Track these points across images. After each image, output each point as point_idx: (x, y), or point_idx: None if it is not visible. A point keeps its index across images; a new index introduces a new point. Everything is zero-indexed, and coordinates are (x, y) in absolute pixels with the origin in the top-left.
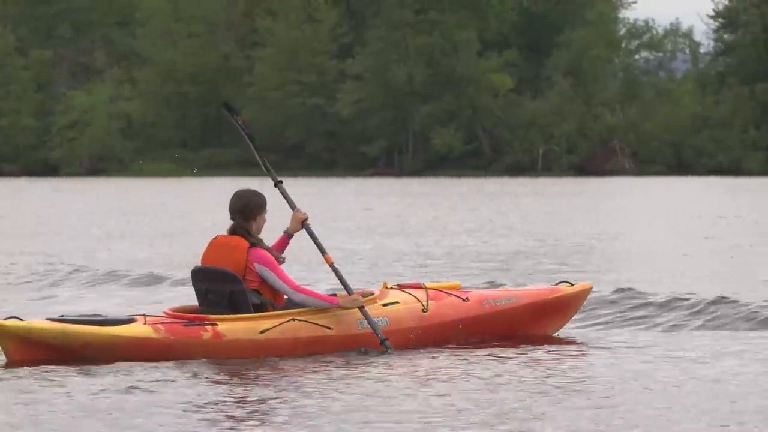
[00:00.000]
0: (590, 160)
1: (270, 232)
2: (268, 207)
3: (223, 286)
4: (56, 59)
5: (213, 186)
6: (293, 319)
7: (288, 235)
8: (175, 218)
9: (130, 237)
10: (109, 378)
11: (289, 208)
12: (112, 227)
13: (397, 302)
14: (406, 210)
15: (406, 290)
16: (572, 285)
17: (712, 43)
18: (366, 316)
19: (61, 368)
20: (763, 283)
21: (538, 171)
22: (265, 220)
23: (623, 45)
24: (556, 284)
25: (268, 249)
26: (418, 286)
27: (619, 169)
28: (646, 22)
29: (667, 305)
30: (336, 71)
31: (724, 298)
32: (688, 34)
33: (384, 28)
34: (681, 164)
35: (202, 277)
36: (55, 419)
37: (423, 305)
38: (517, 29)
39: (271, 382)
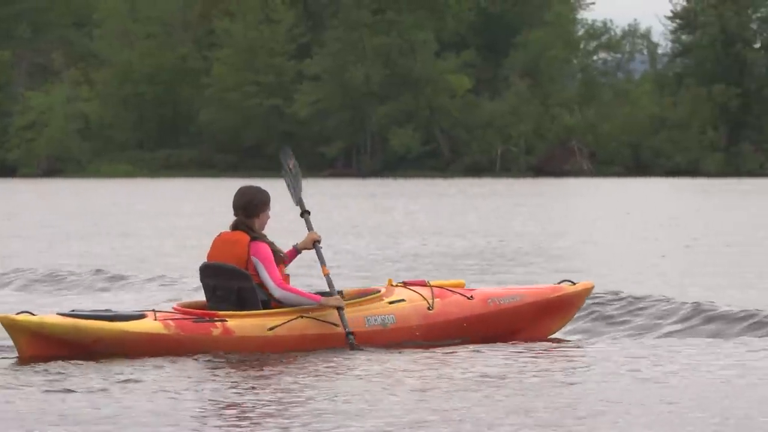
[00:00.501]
0: (548, 161)
1: (273, 232)
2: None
3: (230, 282)
4: (14, 60)
5: (170, 187)
6: (301, 316)
7: (296, 251)
8: (134, 219)
9: (85, 238)
10: (110, 373)
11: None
12: (68, 228)
13: (402, 300)
14: (363, 210)
15: (411, 288)
16: (574, 284)
17: (670, 44)
18: (342, 317)
19: (65, 363)
20: (708, 282)
21: (496, 172)
22: (268, 217)
23: (581, 46)
24: (558, 283)
25: (270, 244)
26: (422, 284)
27: (577, 170)
28: (605, 23)
29: (610, 304)
30: (293, 72)
31: (669, 298)
32: (647, 35)
33: (341, 29)
34: (639, 165)
35: (210, 274)
36: (53, 416)
37: (428, 303)
38: (474, 30)
39: (274, 378)
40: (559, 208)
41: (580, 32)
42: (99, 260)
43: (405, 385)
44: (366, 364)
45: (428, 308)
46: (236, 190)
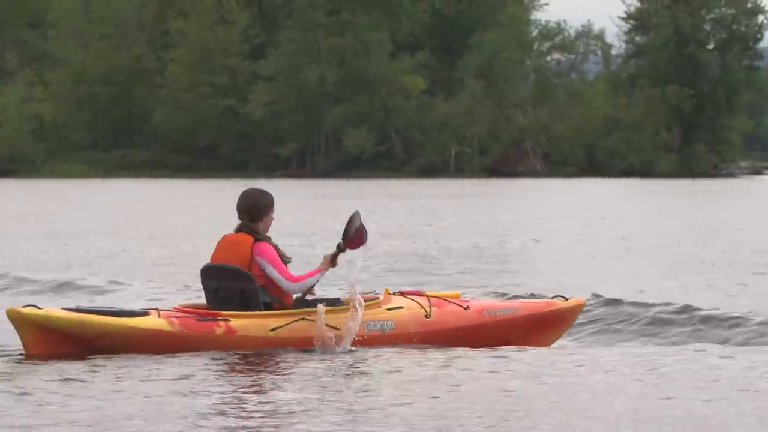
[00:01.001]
0: (502, 162)
1: (278, 234)
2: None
3: (234, 283)
4: None
5: (124, 187)
6: (303, 319)
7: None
8: (85, 219)
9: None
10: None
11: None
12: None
13: (401, 307)
14: (312, 211)
15: (409, 296)
16: (567, 299)
17: (623, 45)
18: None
19: (65, 363)
20: (656, 282)
21: (450, 172)
22: (272, 219)
23: (535, 47)
24: (552, 298)
25: (274, 246)
26: (419, 294)
27: (531, 171)
28: (558, 24)
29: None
30: (248, 72)
31: (617, 300)
32: (600, 36)
33: (296, 30)
34: (593, 166)
35: (212, 275)
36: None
37: (426, 311)
38: (429, 31)
39: (272, 376)
40: (510, 209)
41: (534, 33)
42: (45, 263)
43: (405, 385)
44: (365, 364)
45: (426, 316)
46: (240, 193)
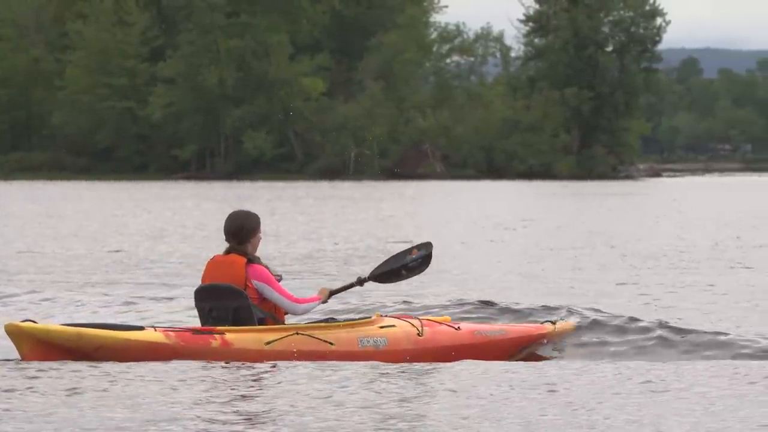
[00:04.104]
0: (402, 164)
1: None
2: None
3: (227, 302)
4: None
5: (23, 189)
6: (297, 333)
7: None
8: None
9: None
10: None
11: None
12: None
13: (393, 326)
14: (205, 213)
15: (400, 318)
16: (554, 323)
17: (522, 48)
18: (338, 291)
19: (61, 370)
20: (549, 281)
21: (350, 174)
22: (260, 239)
23: (434, 49)
24: (542, 323)
25: (265, 266)
26: (410, 318)
27: (430, 173)
28: (458, 26)
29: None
30: (147, 74)
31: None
32: (500, 39)
33: (195, 32)
34: (492, 168)
35: (205, 296)
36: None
37: (418, 330)
38: (328, 33)
39: (268, 389)
40: (406, 211)
41: (433, 35)
42: None
43: (397, 400)
44: (360, 377)
45: (418, 334)
46: (226, 217)
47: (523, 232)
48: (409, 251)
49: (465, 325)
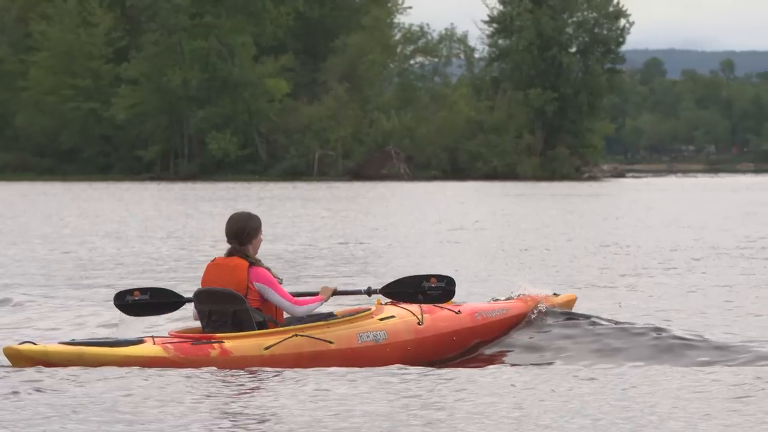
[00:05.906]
0: (366, 165)
1: (277, 235)
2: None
3: (227, 306)
4: None
5: None
6: (296, 335)
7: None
8: None
9: None
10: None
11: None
12: None
13: (393, 316)
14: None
15: (400, 306)
16: (557, 295)
17: (486, 49)
18: (342, 293)
19: (54, 379)
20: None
21: (314, 176)
22: (261, 240)
23: (398, 50)
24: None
25: (267, 268)
26: (410, 305)
27: (395, 174)
28: (421, 27)
29: None
30: (111, 75)
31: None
32: (463, 40)
33: (159, 33)
34: (456, 169)
35: (205, 299)
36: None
37: (418, 318)
38: (293, 34)
39: (267, 393)
40: (371, 212)
41: (397, 36)
42: None
43: (392, 402)
44: (360, 379)
45: (418, 323)
46: (228, 219)
47: (477, 233)
48: (427, 278)
49: (465, 308)
